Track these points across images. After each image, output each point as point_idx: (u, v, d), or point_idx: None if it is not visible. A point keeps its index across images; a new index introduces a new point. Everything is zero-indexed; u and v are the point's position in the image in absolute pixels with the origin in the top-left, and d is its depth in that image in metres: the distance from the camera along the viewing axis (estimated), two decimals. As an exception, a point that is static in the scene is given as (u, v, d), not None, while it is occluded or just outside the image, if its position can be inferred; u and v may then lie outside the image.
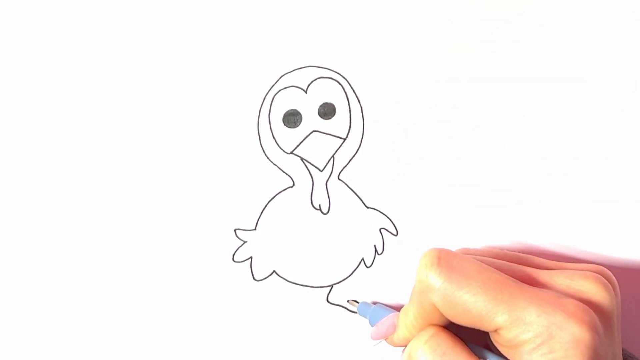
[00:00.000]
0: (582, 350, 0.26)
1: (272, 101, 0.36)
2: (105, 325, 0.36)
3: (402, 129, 0.36)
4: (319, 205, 0.36)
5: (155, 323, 0.36)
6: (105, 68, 0.36)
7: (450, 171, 0.36)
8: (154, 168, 0.36)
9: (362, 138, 0.36)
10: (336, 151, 0.36)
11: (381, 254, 0.36)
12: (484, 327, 0.28)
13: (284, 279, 0.36)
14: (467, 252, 0.33)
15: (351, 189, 0.36)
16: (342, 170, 0.36)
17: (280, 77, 0.36)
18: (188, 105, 0.36)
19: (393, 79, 0.36)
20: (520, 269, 0.30)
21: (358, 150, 0.36)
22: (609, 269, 0.31)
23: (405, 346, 0.31)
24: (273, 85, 0.36)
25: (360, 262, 0.36)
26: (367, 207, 0.36)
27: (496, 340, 0.29)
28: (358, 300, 0.36)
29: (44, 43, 0.36)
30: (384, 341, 0.33)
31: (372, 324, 0.34)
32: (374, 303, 0.35)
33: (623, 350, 0.33)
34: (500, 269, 0.30)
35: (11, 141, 0.36)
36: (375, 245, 0.36)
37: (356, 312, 0.36)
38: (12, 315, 0.36)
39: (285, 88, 0.36)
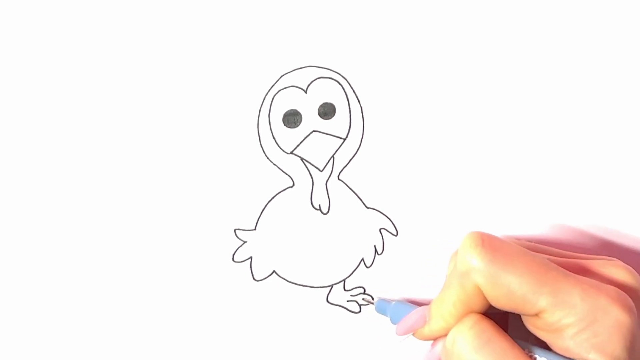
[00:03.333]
0: (625, 333, 0.27)
1: (272, 101, 0.36)
2: (106, 325, 0.36)
3: (402, 129, 0.36)
4: (319, 205, 0.36)
5: (156, 323, 0.36)
6: (105, 68, 0.36)
7: (451, 171, 0.36)
8: (154, 168, 0.36)
9: (362, 138, 0.36)
10: (336, 151, 0.36)
11: (381, 254, 0.36)
12: (526, 309, 0.28)
13: (284, 279, 0.36)
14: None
15: (351, 189, 0.36)
16: (342, 170, 0.36)
17: (280, 77, 0.36)
18: (188, 106, 0.36)
19: (393, 79, 0.36)
20: (555, 257, 0.30)
21: (358, 150, 0.36)
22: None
23: (435, 339, 0.31)
24: (273, 85, 0.36)
25: (360, 262, 0.36)
26: (367, 207, 0.36)
27: (536, 325, 0.29)
28: (373, 296, 0.35)
29: (44, 43, 0.36)
30: (411, 336, 0.32)
31: (394, 321, 0.33)
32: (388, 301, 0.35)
33: None
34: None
35: (11, 141, 0.36)
36: (375, 245, 0.36)
37: (357, 312, 0.36)
38: (12, 315, 0.36)
39: (285, 88, 0.36)
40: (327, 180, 0.36)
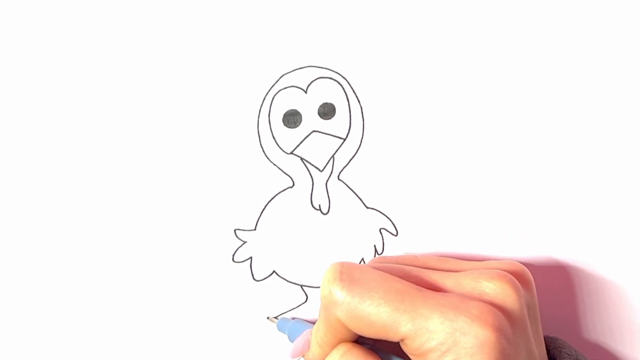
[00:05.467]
0: (488, 352, 0.26)
1: (272, 101, 0.36)
2: (106, 325, 0.36)
3: (402, 129, 0.36)
4: (319, 205, 0.36)
5: (156, 323, 0.36)
6: (106, 69, 0.36)
7: (450, 171, 0.36)
8: (154, 168, 0.36)
9: (362, 138, 0.36)
10: (336, 151, 0.36)
11: (381, 254, 0.36)
12: (389, 337, 0.28)
13: (284, 279, 0.36)
14: (383, 261, 0.32)
15: (351, 189, 0.36)
16: (342, 170, 0.36)
17: (280, 77, 0.36)
18: (188, 106, 0.36)
19: (393, 79, 0.36)
20: (427, 275, 0.30)
21: (358, 150, 0.36)
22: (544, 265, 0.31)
23: None
24: (273, 85, 0.36)
25: (360, 262, 0.36)
26: (367, 207, 0.36)
27: (405, 350, 0.28)
28: (277, 317, 0.36)
29: (44, 43, 0.36)
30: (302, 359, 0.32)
31: (291, 340, 0.34)
32: (293, 318, 0.35)
33: (567, 347, 0.32)
34: (407, 275, 0.29)
35: (11, 141, 0.36)
36: (375, 245, 0.36)
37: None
38: (12, 316, 0.36)
39: (285, 88, 0.36)
40: (327, 180, 0.36)
